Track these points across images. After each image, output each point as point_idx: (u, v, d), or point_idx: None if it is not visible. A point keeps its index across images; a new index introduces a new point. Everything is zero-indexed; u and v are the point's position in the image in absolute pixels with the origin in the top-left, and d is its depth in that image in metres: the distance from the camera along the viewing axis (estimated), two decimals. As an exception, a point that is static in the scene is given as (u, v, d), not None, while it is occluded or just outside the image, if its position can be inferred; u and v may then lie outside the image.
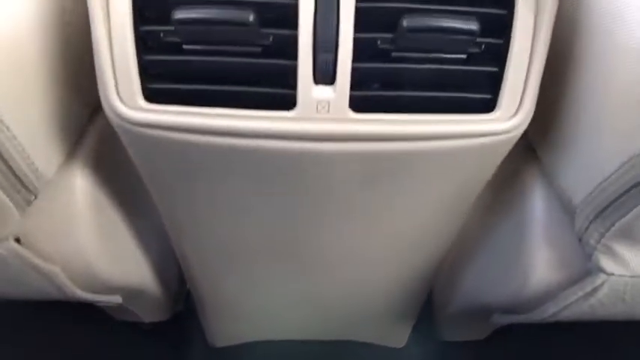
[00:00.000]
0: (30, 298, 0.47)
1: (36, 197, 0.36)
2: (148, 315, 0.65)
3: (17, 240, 0.39)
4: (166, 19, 0.28)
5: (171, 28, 0.28)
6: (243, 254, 0.47)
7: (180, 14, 0.27)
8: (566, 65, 0.34)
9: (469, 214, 0.46)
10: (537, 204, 0.42)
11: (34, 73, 0.32)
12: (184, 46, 0.29)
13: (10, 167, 0.32)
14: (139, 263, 0.52)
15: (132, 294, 0.54)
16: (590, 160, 0.34)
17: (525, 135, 0.34)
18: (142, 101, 0.30)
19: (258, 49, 0.29)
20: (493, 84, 0.31)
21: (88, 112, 0.41)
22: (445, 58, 0.30)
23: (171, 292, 0.64)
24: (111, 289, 0.50)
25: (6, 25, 0.28)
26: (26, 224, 0.37)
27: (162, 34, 0.29)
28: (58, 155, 0.37)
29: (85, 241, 0.42)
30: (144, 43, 0.29)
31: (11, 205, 0.33)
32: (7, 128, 0.30)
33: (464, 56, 0.30)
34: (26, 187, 0.34)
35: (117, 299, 0.52)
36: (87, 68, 0.32)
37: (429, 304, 0.68)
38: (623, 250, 0.36)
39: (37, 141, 0.34)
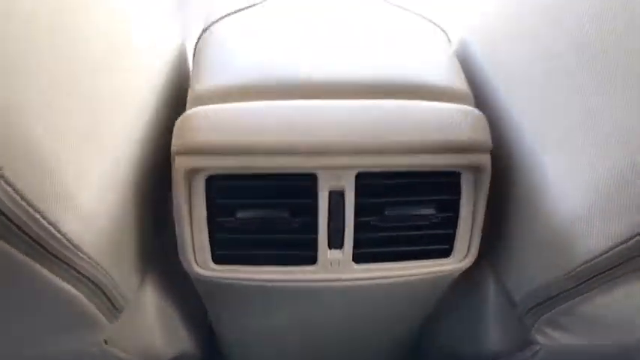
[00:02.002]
0: None
1: (122, 312, 0.49)
2: None
3: (105, 341, 0.53)
4: (230, 214, 0.42)
5: (233, 219, 0.42)
6: (272, 334, 0.61)
7: (240, 215, 0.42)
8: (504, 218, 0.48)
9: (441, 297, 0.60)
10: (490, 293, 0.57)
11: (124, 226, 0.45)
12: (241, 227, 0.43)
13: (106, 295, 0.45)
14: (186, 338, 0.66)
15: (175, 357, 0.68)
16: (522, 274, 0.49)
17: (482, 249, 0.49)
18: (212, 264, 0.44)
19: (290, 227, 0.44)
20: (449, 239, 0.45)
21: (151, 243, 0.55)
22: (415, 225, 0.45)
23: (204, 348, 0.77)
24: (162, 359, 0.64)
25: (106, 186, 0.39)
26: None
27: (226, 223, 0.43)
28: (136, 280, 0.51)
29: (153, 337, 0.56)
30: (214, 226, 0.43)
31: (105, 321, 0.47)
32: (106, 271, 0.43)
33: (428, 223, 0.45)
34: (116, 307, 0.47)
35: None
36: (154, 211, 0.43)
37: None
38: (550, 331, 0.50)
39: (123, 275, 0.47)
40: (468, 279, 0.59)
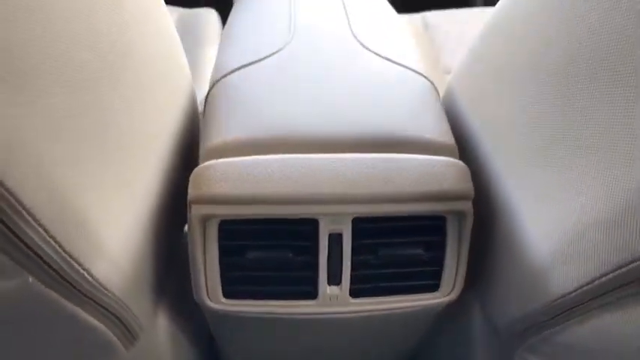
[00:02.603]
0: None
1: (138, 340, 0.54)
2: None
3: None
4: (240, 254, 0.47)
5: (242, 259, 0.47)
6: (274, 358, 0.66)
7: (249, 255, 0.46)
8: (487, 256, 0.53)
9: (431, 326, 0.65)
10: (476, 322, 0.62)
11: (144, 265, 0.50)
12: (249, 266, 0.48)
13: (126, 326, 0.49)
14: (193, 358, 0.70)
15: None
16: (504, 306, 0.53)
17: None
18: (222, 298, 0.49)
19: (293, 266, 0.48)
20: (436, 275, 0.50)
21: (164, 277, 0.59)
22: (406, 263, 0.50)
23: None
24: None
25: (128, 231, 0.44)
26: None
27: (236, 262, 0.48)
28: (151, 310, 0.56)
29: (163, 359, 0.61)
30: (225, 265, 0.48)
31: (123, 349, 0.51)
32: (127, 306, 0.47)
33: (417, 261, 0.50)
34: (132, 335, 0.52)
35: None
36: (169, 249, 0.48)
37: None
38: (532, 357, 0.55)
39: (141, 307, 0.51)
40: (456, 309, 0.64)
